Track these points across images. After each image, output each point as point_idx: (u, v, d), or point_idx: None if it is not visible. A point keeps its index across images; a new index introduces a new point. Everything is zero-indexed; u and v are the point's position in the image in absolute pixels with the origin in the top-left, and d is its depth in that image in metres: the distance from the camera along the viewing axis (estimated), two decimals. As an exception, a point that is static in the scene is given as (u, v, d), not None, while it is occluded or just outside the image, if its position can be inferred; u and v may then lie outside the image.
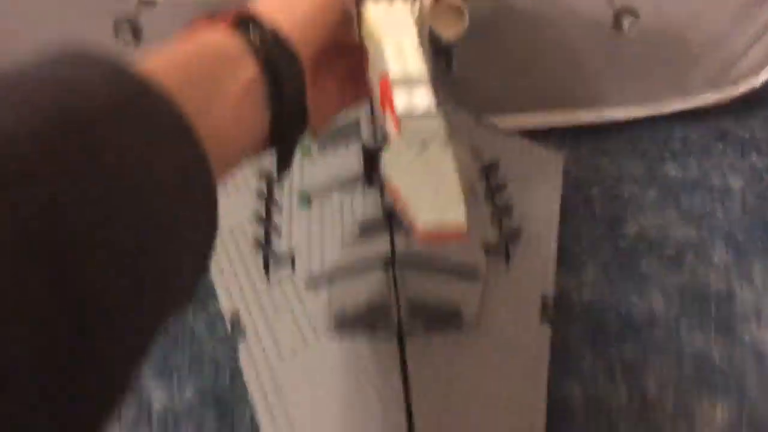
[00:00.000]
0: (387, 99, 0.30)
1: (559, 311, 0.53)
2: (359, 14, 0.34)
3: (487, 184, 0.55)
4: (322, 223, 0.48)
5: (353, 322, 0.43)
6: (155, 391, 0.48)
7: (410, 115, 0.29)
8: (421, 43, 0.33)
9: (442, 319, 0.43)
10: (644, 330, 0.52)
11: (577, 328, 0.52)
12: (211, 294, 0.55)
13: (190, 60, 0.26)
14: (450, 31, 0.40)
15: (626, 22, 0.57)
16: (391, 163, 0.27)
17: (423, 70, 0.31)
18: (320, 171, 0.51)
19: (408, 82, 0.30)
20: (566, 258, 0.58)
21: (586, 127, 0.75)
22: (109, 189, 0.19)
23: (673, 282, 0.56)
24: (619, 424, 0.46)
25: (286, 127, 0.30)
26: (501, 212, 0.52)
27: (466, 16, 0.40)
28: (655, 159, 0.71)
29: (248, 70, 0.27)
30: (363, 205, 0.47)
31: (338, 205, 0.48)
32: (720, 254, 0.58)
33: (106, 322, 0.18)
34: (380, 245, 0.45)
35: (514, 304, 0.47)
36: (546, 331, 0.47)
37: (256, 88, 0.28)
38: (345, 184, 0.49)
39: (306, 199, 0.49)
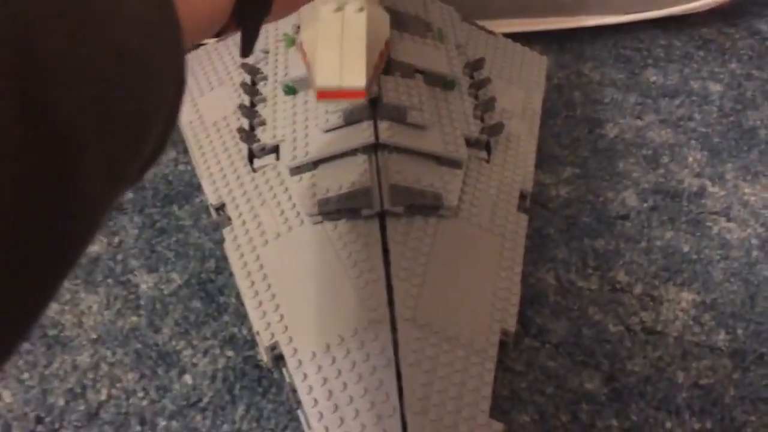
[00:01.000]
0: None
1: (537, 205, 0.55)
2: None
3: (471, 79, 0.55)
4: (306, 112, 0.48)
5: (337, 206, 0.44)
6: (143, 279, 0.49)
7: None
8: None
9: (424, 203, 0.44)
10: (617, 224, 0.54)
11: (554, 221, 0.54)
12: (195, 186, 0.56)
13: None
14: None
15: None
16: (306, 19, 0.27)
17: None
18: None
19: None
20: (546, 156, 0.59)
21: (571, 33, 0.75)
22: (80, 18, 0.18)
23: (648, 180, 0.57)
24: (589, 308, 0.48)
25: (250, 4, 0.30)
26: (484, 106, 0.53)
27: None
28: (638, 65, 0.72)
29: None
30: (346, 94, 0.47)
31: (322, 94, 0.48)
32: (695, 155, 0.60)
33: (78, 160, 0.17)
34: (364, 132, 0.45)
35: (493, 193, 0.49)
36: (522, 219, 0.48)
37: None
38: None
39: (291, 90, 0.50)
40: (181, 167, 0.58)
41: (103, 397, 0.42)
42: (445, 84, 0.51)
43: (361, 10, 0.27)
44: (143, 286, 0.48)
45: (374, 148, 0.46)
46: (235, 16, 0.30)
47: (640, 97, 0.67)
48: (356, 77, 0.26)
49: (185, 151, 0.59)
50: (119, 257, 0.50)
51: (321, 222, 0.45)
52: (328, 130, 0.46)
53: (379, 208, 0.44)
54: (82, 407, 0.41)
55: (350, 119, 0.46)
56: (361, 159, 0.45)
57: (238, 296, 0.47)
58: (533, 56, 0.65)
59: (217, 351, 0.44)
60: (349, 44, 0.27)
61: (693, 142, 0.61)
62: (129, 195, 0.55)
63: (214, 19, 0.29)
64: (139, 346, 0.44)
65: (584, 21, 0.75)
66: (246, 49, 0.32)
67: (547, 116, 0.63)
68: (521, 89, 0.60)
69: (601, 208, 0.55)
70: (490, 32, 0.65)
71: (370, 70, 0.26)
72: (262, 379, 0.43)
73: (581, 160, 0.60)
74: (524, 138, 0.55)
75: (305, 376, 0.38)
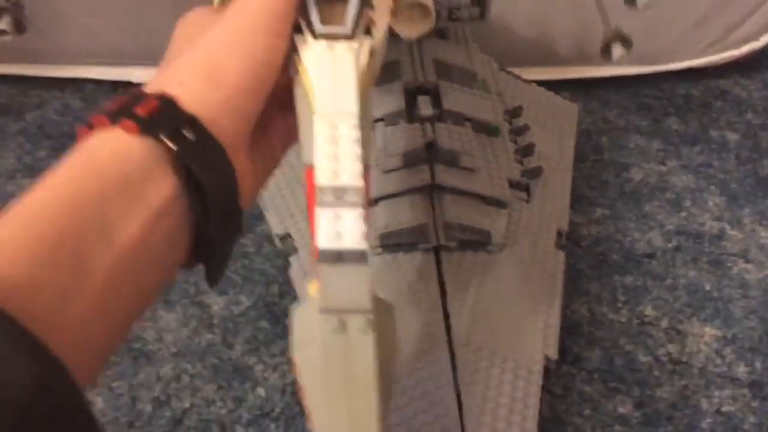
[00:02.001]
0: (311, 197, 0.26)
1: (569, 243, 0.60)
2: (294, 54, 0.29)
3: (510, 125, 0.60)
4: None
5: (397, 240, 0.49)
6: (214, 300, 0.54)
7: (332, 252, 0.24)
8: (365, 96, 0.28)
9: (474, 239, 0.49)
10: (644, 262, 0.59)
11: (586, 258, 0.59)
12: (256, 216, 0.61)
13: (61, 213, 0.21)
14: (413, 29, 0.35)
15: (616, 50, 0.58)
16: (301, 343, 0.23)
17: (358, 179, 0.25)
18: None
19: (338, 191, 0.25)
20: (577, 197, 0.64)
21: (596, 81, 0.80)
22: None
23: (672, 222, 0.62)
24: (620, 339, 0.53)
25: (214, 240, 0.26)
26: (523, 151, 0.58)
27: (433, 16, 0.35)
28: (660, 113, 0.77)
29: (161, 187, 0.23)
30: (404, 138, 0.52)
31: (381, 137, 0.53)
32: (714, 200, 0.65)
33: None
34: (422, 174, 0.50)
35: (533, 231, 0.54)
36: (561, 256, 0.53)
37: (170, 211, 0.24)
38: (387, 119, 0.54)
39: (352, 132, 0.55)
40: (243, 198, 0.63)
41: (186, 405, 0.47)
42: (490, 131, 0.56)
43: (366, 330, 0.22)
44: (215, 307, 0.53)
45: (430, 189, 0.51)
46: (197, 256, 0.26)
47: (663, 143, 0.72)
48: None
49: (246, 183, 0.64)
50: (192, 280, 0.55)
51: (380, 254, 0.50)
52: (387, 171, 0.52)
53: (435, 243, 0.49)
54: (167, 414, 0.46)
55: (408, 162, 0.51)
56: (417, 198, 0.51)
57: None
58: (564, 104, 0.70)
59: (285, 367, 0.49)
60: (358, 393, 0.21)
61: (713, 187, 0.66)
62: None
63: (160, 286, 0.25)
64: (215, 360, 0.49)
65: (609, 71, 0.80)
66: (213, 280, 0.28)
67: (577, 160, 0.68)
68: (555, 135, 0.65)
69: (629, 247, 0.60)
70: (525, 81, 0.70)
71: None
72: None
73: (610, 201, 0.65)
74: (559, 180, 0.60)
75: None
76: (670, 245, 0.60)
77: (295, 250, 0.53)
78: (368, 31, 0.29)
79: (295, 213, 0.55)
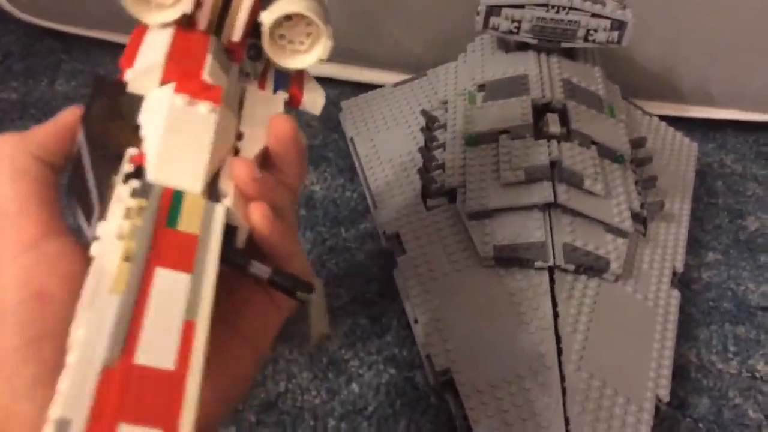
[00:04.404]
0: None
1: (680, 284, 0.57)
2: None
3: (633, 156, 0.58)
4: (484, 165, 0.53)
5: (512, 254, 0.48)
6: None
7: None
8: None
9: (592, 265, 0.48)
10: (758, 314, 0.56)
11: (696, 302, 0.56)
12: (360, 213, 0.61)
13: None
14: (298, 59, 0.30)
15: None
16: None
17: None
18: (487, 117, 0.55)
19: None
20: (690, 239, 0.61)
21: (714, 123, 0.78)
22: None
23: (790, 278, 0.59)
24: (729, 390, 0.50)
25: None
26: (645, 183, 0.56)
27: (326, 37, 0.29)
28: (780, 165, 0.74)
29: None
30: (529, 153, 0.51)
31: (505, 150, 0.52)
32: (837, 261, 0.61)
33: None
34: (544, 191, 0.49)
35: (649, 267, 0.52)
36: (675, 295, 0.51)
37: None
38: (513, 132, 0.53)
39: (474, 141, 0.54)
40: (348, 194, 0.64)
41: (281, 389, 0.46)
42: (616, 158, 0.54)
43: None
44: (315, 296, 0.53)
45: (549, 207, 0.50)
46: None
47: (782, 195, 0.69)
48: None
49: (352, 179, 0.64)
50: (294, 266, 0.55)
51: (493, 266, 0.49)
52: (508, 184, 0.51)
53: (551, 263, 0.47)
54: (262, 395, 0.46)
55: (531, 177, 0.50)
56: (537, 215, 0.49)
57: (399, 320, 0.52)
58: (684, 141, 0.68)
59: (381, 366, 0.49)
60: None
61: (835, 248, 0.63)
62: (302, 213, 0.61)
63: None
64: (312, 349, 0.49)
65: (731, 114, 0.77)
66: None
67: (691, 200, 0.66)
68: (675, 171, 0.63)
69: (743, 296, 0.57)
70: (647, 113, 0.68)
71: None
72: (420, 400, 0.47)
73: (723, 247, 0.62)
74: (677, 219, 0.58)
75: (479, 404, 0.41)
76: (786, 302, 0.57)
77: (403, 252, 0.52)
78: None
79: (406, 213, 0.55)
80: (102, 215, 0.22)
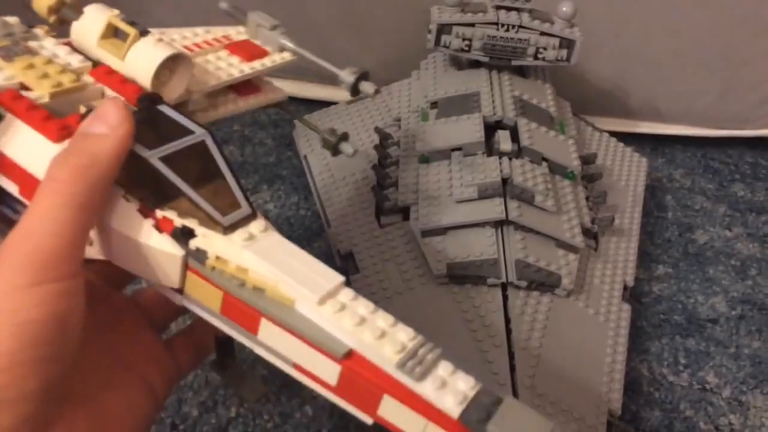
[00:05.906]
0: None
1: (631, 298, 0.58)
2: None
3: (583, 171, 0.59)
4: (438, 181, 0.53)
5: (465, 271, 0.48)
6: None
7: None
8: None
9: (543, 281, 0.48)
10: (707, 327, 0.57)
11: (647, 316, 0.57)
12: (314, 231, 0.60)
13: None
14: (176, 89, 0.32)
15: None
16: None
17: None
18: (440, 134, 0.55)
19: None
20: (640, 252, 0.62)
21: (663, 138, 0.79)
22: None
23: (737, 289, 0.61)
24: (680, 403, 0.51)
25: None
26: (595, 199, 0.57)
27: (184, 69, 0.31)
28: (726, 178, 0.76)
29: None
30: (480, 170, 0.52)
31: (458, 167, 0.52)
32: (782, 272, 0.63)
33: None
34: (496, 208, 0.49)
35: (600, 281, 0.52)
36: (626, 309, 0.51)
37: None
38: (465, 149, 0.53)
39: (426, 159, 0.54)
40: (302, 212, 0.63)
41: (232, 414, 0.45)
42: (566, 174, 0.55)
43: None
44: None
45: (501, 224, 0.50)
46: None
47: (729, 209, 0.71)
48: None
49: (306, 197, 0.64)
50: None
51: (446, 284, 0.48)
52: (460, 201, 0.51)
53: (504, 279, 0.47)
54: (213, 420, 0.45)
55: (483, 194, 0.50)
56: (489, 232, 0.49)
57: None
58: (634, 157, 0.69)
59: (335, 388, 0.48)
60: None
61: (780, 259, 0.65)
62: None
63: None
64: (265, 372, 0.48)
65: (679, 129, 0.79)
66: None
67: (641, 215, 0.67)
68: (625, 186, 0.64)
69: (692, 309, 0.58)
70: (597, 129, 0.69)
71: None
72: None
73: (673, 260, 0.63)
74: (627, 234, 0.58)
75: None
76: (734, 312, 0.58)
77: (356, 270, 0.51)
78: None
79: (359, 232, 0.54)
80: None
